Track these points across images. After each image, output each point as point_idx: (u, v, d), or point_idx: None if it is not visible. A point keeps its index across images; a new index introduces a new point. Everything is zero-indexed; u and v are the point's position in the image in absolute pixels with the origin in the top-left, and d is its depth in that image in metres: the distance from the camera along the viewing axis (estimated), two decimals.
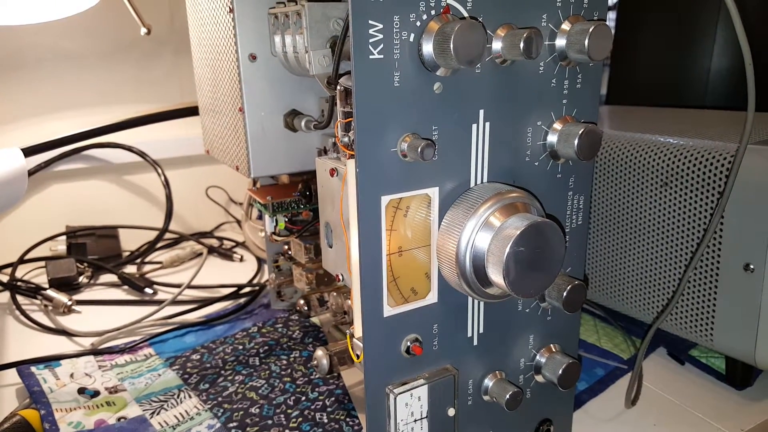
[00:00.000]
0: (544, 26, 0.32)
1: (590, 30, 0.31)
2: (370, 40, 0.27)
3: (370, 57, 0.27)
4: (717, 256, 0.45)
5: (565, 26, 0.32)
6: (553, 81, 0.33)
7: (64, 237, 0.77)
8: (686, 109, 0.69)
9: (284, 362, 0.54)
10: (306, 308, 0.57)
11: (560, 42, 0.32)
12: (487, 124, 0.32)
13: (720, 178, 0.44)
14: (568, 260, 0.38)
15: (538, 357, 0.39)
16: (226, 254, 0.81)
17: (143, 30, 0.68)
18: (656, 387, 0.50)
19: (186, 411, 0.47)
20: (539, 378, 0.39)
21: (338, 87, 0.32)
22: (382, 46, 0.27)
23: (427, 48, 0.28)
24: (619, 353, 0.55)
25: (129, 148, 0.80)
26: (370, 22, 0.27)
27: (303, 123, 0.45)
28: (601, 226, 0.54)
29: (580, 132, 0.32)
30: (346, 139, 0.32)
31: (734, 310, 0.45)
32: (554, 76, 0.33)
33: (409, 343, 0.33)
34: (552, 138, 0.34)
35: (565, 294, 0.34)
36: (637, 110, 0.71)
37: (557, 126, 0.34)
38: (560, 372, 0.37)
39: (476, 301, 0.35)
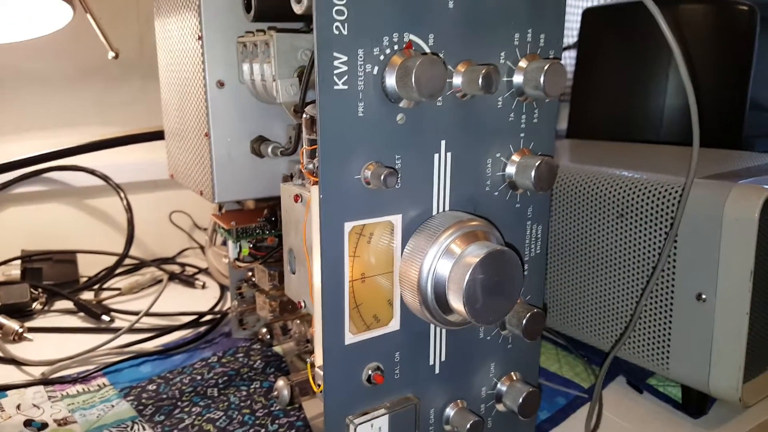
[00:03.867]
0: (502, 63, 0.33)
1: (545, 68, 0.32)
2: (335, 72, 0.28)
3: (335, 87, 0.28)
4: (671, 286, 0.47)
5: (522, 64, 0.34)
6: (511, 115, 0.35)
7: (18, 261, 0.74)
8: (642, 144, 0.72)
9: (244, 393, 0.53)
10: (268, 337, 0.56)
11: (517, 78, 0.34)
12: (449, 155, 0.33)
13: (671, 210, 0.46)
14: (527, 288, 0.39)
15: (499, 385, 0.39)
16: (188, 281, 0.79)
17: (111, 54, 0.68)
18: (615, 416, 0.51)
19: None
20: (500, 407, 0.39)
21: (305, 115, 0.33)
22: (346, 77, 0.28)
23: (390, 81, 0.29)
24: (580, 382, 0.56)
25: (92, 172, 0.79)
26: (335, 54, 0.28)
27: (270, 149, 0.45)
28: (561, 255, 0.56)
29: (537, 164, 0.34)
30: (310, 166, 0.32)
31: (688, 338, 0.46)
32: (512, 111, 0.35)
33: (370, 372, 0.33)
34: (510, 169, 0.35)
35: (524, 322, 0.35)
36: (595, 144, 0.74)
37: (515, 158, 0.35)
38: (520, 401, 0.37)
39: (438, 329, 0.35)
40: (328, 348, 0.31)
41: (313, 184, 0.30)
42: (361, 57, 0.28)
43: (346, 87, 0.28)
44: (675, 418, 0.51)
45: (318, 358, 0.32)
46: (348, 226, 0.30)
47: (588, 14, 0.92)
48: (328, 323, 0.31)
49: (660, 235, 0.47)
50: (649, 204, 0.47)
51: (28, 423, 0.47)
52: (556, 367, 0.59)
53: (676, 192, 0.45)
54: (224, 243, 0.83)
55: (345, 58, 0.28)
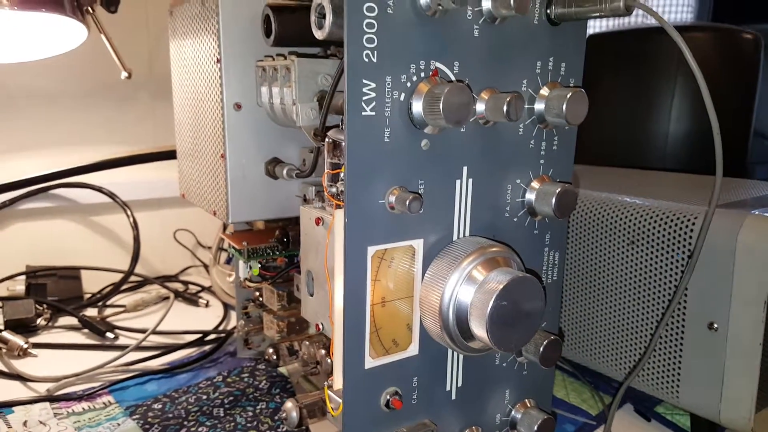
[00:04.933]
0: (524, 91, 0.34)
1: (568, 96, 0.32)
2: (363, 98, 0.28)
3: (363, 113, 0.28)
4: (682, 315, 0.47)
5: (544, 91, 0.34)
6: (532, 142, 0.35)
7: (23, 277, 0.74)
8: (648, 170, 0.72)
9: (250, 414, 0.52)
10: (275, 357, 0.56)
11: (539, 106, 0.34)
12: (470, 181, 0.33)
13: (683, 238, 0.46)
14: (544, 315, 0.39)
15: (513, 412, 0.39)
16: (191, 299, 0.79)
17: (124, 74, 0.68)
18: None
19: None
20: None
21: (327, 139, 0.33)
22: (374, 103, 0.29)
23: (417, 107, 0.29)
24: (588, 409, 0.55)
25: (99, 189, 0.79)
26: (364, 81, 0.28)
27: (285, 171, 0.45)
28: (573, 283, 0.56)
29: (557, 191, 0.34)
30: (333, 190, 0.32)
31: (699, 368, 0.46)
32: (532, 138, 0.35)
33: (389, 397, 0.32)
34: (530, 196, 0.35)
35: (542, 349, 0.35)
36: (601, 170, 0.74)
37: (535, 184, 0.35)
38: (536, 428, 0.37)
39: (456, 354, 0.35)
40: (348, 372, 0.31)
41: (336, 208, 0.30)
42: (389, 84, 0.29)
43: (373, 113, 0.29)
44: None
45: (337, 381, 0.31)
46: (371, 250, 0.30)
47: (591, 41, 0.93)
48: (348, 347, 0.31)
49: (672, 263, 0.47)
50: (661, 232, 0.47)
51: None
52: (563, 394, 0.58)
53: (688, 220, 0.46)
54: (228, 262, 0.82)
55: (373, 85, 0.28)
